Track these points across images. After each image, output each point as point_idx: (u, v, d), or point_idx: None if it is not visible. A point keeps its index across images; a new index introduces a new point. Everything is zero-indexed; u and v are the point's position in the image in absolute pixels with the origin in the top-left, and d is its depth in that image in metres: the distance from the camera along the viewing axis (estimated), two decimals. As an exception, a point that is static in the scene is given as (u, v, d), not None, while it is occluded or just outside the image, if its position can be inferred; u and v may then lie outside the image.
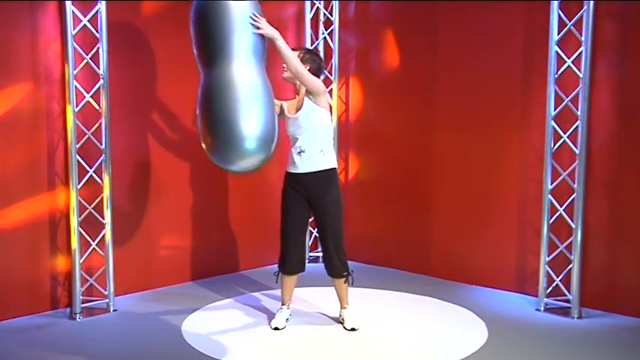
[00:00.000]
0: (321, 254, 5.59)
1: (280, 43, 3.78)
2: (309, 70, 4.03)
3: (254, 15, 3.55)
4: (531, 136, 4.86)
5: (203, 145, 3.49)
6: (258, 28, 3.55)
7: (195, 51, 3.60)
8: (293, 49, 4.00)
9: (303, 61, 4.03)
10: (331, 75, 5.79)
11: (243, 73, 3.46)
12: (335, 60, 5.78)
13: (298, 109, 4.11)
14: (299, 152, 4.10)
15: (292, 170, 4.16)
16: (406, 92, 5.54)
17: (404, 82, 5.55)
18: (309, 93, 4.05)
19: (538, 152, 4.75)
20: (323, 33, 5.80)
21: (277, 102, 4.06)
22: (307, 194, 4.14)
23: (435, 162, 5.39)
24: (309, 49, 4.33)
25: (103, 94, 4.45)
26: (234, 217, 5.52)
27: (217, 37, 3.48)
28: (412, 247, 5.58)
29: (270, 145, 3.46)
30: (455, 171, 5.29)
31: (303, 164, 4.10)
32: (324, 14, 5.80)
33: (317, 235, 4.36)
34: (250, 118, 3.38)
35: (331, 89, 5.77)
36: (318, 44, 5.81)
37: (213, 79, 3.47)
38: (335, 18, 5.78)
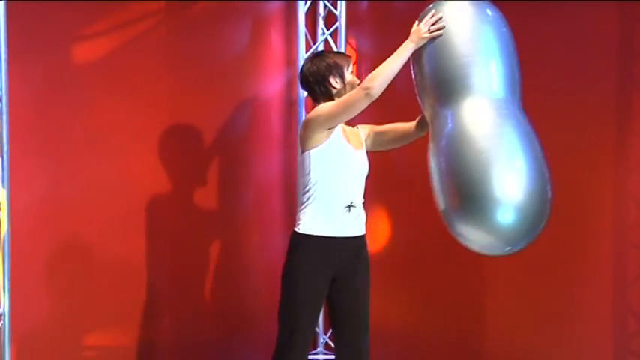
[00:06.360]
0: (323, 357, 5.37)
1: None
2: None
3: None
4: (631, 181, 4.73)
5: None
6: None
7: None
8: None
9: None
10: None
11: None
12: (341, 72, 5.53)
13: (360, 142, 3.91)
14: (348, 206, 3.73)
15: (335, 234, 3.72)
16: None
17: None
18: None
19: (642, 205, 4.45)
20: (324, 33, 5.57)
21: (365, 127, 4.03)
22: (342, 268, 3.77)
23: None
24: (313, 56, 4.08)
25: (0, 122, 4.27)
26: (200, 306, 5.30)
27: None
28: (457, 344, 5.31)
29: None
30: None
31: (355, 224, 3.76)
32: (325, 6, 5.59)
33: (336, 325, 3.99)
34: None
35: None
36: (315, 49, 5.57)
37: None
38: (340, 12, 5.54)
